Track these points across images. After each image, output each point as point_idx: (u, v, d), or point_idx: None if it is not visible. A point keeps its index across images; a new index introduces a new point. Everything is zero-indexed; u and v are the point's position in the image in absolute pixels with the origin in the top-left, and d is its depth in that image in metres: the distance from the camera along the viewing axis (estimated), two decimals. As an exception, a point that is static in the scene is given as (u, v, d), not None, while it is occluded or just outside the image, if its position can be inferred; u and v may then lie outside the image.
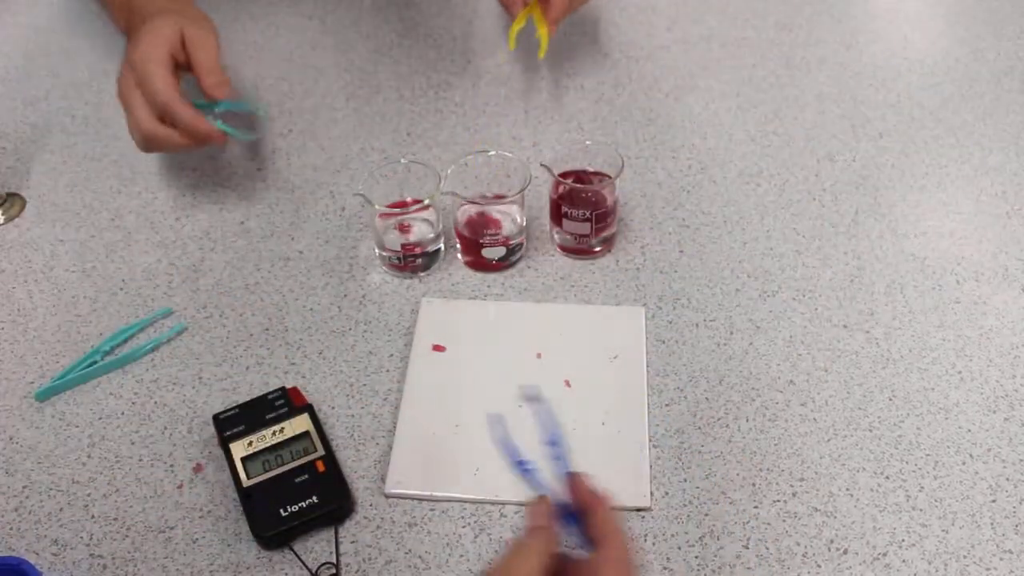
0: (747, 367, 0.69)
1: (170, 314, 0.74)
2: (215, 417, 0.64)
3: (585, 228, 0.75)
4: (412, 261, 0.76)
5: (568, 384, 0.67)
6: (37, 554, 0.59)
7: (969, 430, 0.64)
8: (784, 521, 0.59)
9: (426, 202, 0.73)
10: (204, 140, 0.72)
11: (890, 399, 0.66)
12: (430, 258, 0.76)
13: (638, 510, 0.60)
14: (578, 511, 0.50)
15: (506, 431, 0.60)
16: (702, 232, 0.80)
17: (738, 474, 0.62)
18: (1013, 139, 0.89)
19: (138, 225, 0.82)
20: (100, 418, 0.67)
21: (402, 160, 0.78)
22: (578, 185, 0.75)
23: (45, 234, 0.82)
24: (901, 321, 0.72)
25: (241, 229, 0.82)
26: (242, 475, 0.60)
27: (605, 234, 0.77)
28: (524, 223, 0.77)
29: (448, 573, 0.57)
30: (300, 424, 0.63)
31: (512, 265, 0.77)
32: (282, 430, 0.62)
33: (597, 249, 0.77)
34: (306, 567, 0.57)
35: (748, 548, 0.58)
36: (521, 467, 0.55)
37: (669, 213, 0.82)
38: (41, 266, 0.79)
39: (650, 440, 0.64)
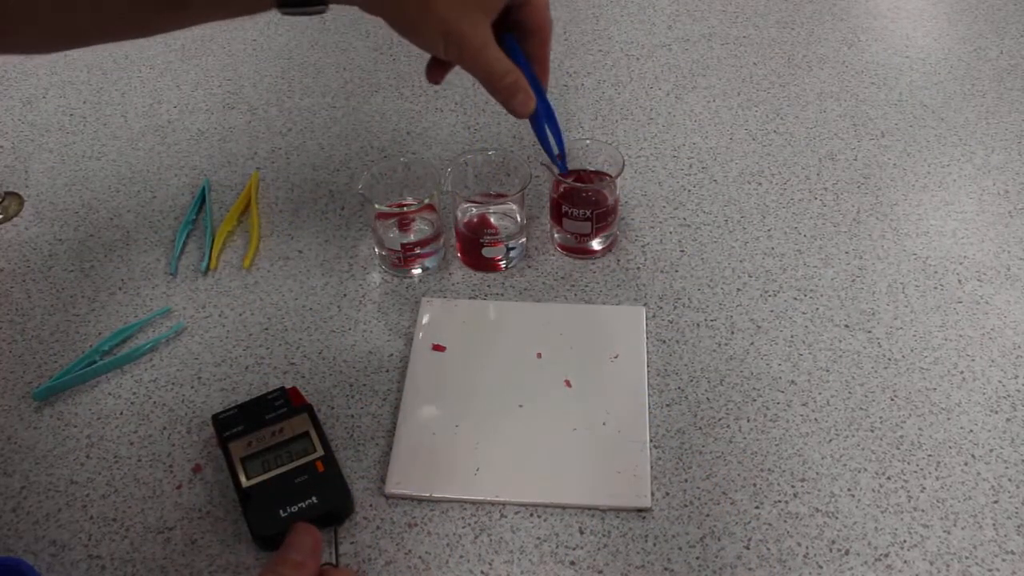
0: (748, 367, 0.68)
1: (169, 314, 0.74)
2: (214, 417, 0.64)
3: (585, 227, 0.74)
4: (412, 261, 0.75)
5: (568, 384, 0.67)
6: (35, 555, 0.58)
7: (971, 430, 0.64)
8: (785, 522, 0.59)
9: (426, 201, 0.73)
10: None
11: (892, 399, 0.66)
12: (430, 258, 0.76)
13: (639, 511, 0.59)
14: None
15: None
16: (703, 231, 0.80)
17: (739, 474, 0.61)
18: (1015, 138, 0.89)
19: (137, 224, 0.82)
20: (99, 418, 0.66)
21: (402, 159, 0.77)
22: (578, 184, 0.75)
23: (43, 233, 0.82)
24: (903, 321, 0.71)
25: (240, 228, 0.82)
26: (241, 476, 0.60)
27: (605, 233, 0.76)
28: (524, 223, 0.76)
29: (448, 573, 0.57)
30: (299, 424, 0.63)
31: (512, 265, 0.77)
32: (281, 430, 0.62)
33: (597, 249, 0.77)
34: (305, 568, 0.57)
35: (749, 549, 0.57)
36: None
37: (670, 212, 0.82)
38: (39, 265, 0.79)
39: (651, 440, 0.63)
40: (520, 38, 0.62)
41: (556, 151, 0.69)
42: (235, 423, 0.63)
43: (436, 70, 0.65)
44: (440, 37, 0.57)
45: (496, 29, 0.59)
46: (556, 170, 0.71)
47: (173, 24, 0.56)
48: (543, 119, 0.67)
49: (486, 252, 0.75)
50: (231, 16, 0.56)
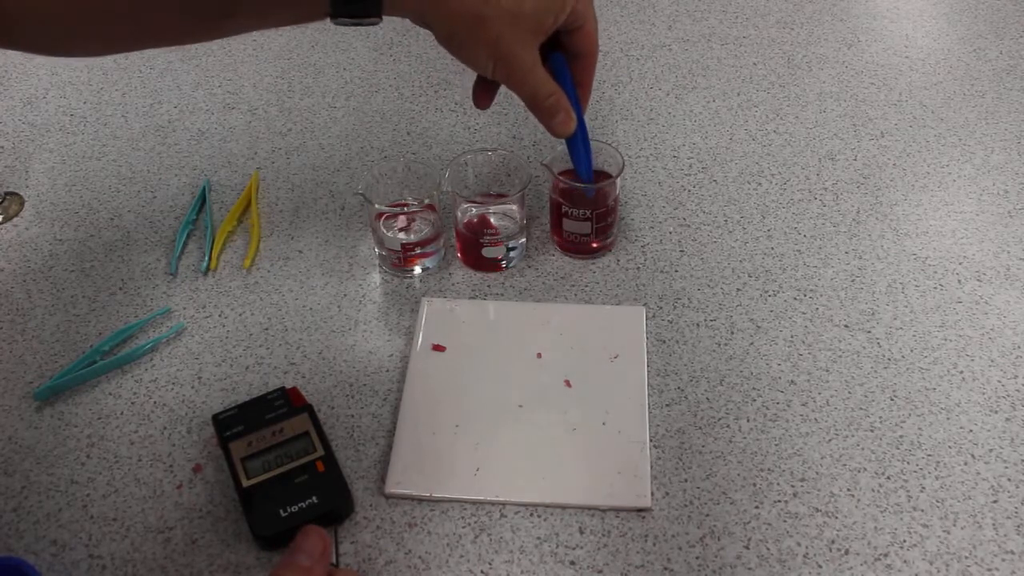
0: (748, 367, 0.68)
1: (169, 314, 0.74)
2: (214, 417, 0.64)
3: (585, 227, 0.74)
4: (412, 261, 0.75)
5: (568, 384, 0.67)
6: (36, 554, 0.59)
7: (971, 430, 0.64)
8: (785, 521, 0.59)
9: (426, 202, 0.73)
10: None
11: (891, 399, 0.66)
12: (430, 258, 0.76)
13: (639, 510, 0.59)
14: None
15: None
16: (703, 231, 0.80)
17: (739, 474, 0.61)
18: (1015, 138, 0.89)
19: (137, 224, 0.82)
20: (99, 418, 0.66)
21: (402, 160, 0.78)
22: (578, 184, 0.75)
23: (44, 233, 0.82)
24: (902, 321, 0.71)
25: (241, 228, 0.82)
26: (241, 475, 0.60)
27: (606, 234, 0.76)
28: (524, 223, 0.76)
29: (448, 573, 0.57)
30: (300, 424, 0.63)
31: (512, 265, 0.77)
32: (281, 430, 0.62)
33: (597, 248, 0.77)
34: (306, 568, 0.57)
35: (749, 548, 0.57)
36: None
37: (670, 212, 0.82)
38: (40, 266, 0.79)
39: (651, 440, 0.63)
40: (566, 60, 0.63)
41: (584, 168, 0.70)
42: (235, 423, 0.63)
43: (483, 95, 0.66)
44: (490, 58, 0.58)
45: (543, 48, 0.60)
46: (584, 182, 0.71)
47: (218, 34, 0.57)
48: (578, 138, 0.67)
49: (486, 252, 0.75)
50: (279, 26, 0.57)
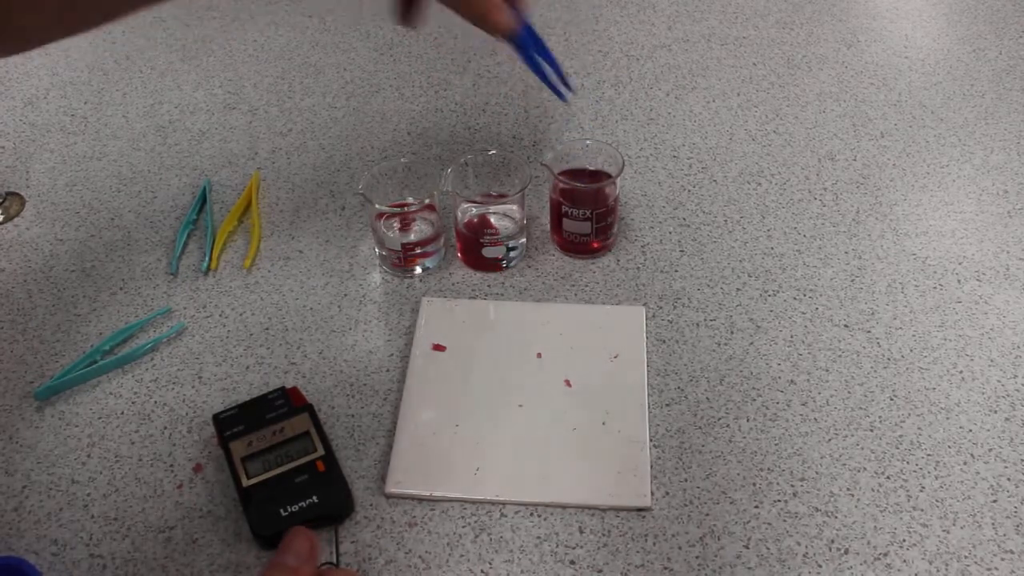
0: (748, 367, 0.68)
1: (170, 314, 0.74)
2: (215, 417, 0.64)
3: (585, 227, 0.74)
4: (412, 261, 0.76)
5: (568, 384, 0.67)
6: (37, 554, 0.59)
7: (970, 430, 0.64)
8: (785, 521, 0.59)
9: (426, 202, 0.73)
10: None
11: (891, 399, 0.66)
12: (430, 258, 0.76)
13: (639, 510, 0.60)
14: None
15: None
16: (703, 231, 0.80)
17: (739, 474, 0.61)
18: (1015, 138, 0.89)
19: (138, 224, 0.82)
20: (100, 418, 0.67)
21: (402, 160, 0.78)
22: (579, 184, 0.75)
23: (45, 233, 0.82)
24: (902, 321, 0.72)
25: (241, 228, 0.82)
26: (242, 475, 0.60)
27: (606, 234, 0.76)
28: (524, 223, 0.76)
29: (448, 573, 0.57)
30: (300, 424, 0.63)
31: (512, 265, 0.77)
32: (282, 430, 0.62)
33: (597, 248, 0.77)
34: (306, 567, 0.57)
35: (749, 548, 0.58)
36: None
37: (669, 212, 0.82)
38: (41, 265, 0.79)
39: (650, 440, 0.63)
40: None
41: (554, 79, 0.69)
42: (236, 423, 0.63)
43: (407, 13, 0.68)
44: None
45: None
46: (561, 98, 0.70)
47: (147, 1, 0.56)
48: (530, 47, 0.67)
49: (486, 252, 0.75)
50: None
